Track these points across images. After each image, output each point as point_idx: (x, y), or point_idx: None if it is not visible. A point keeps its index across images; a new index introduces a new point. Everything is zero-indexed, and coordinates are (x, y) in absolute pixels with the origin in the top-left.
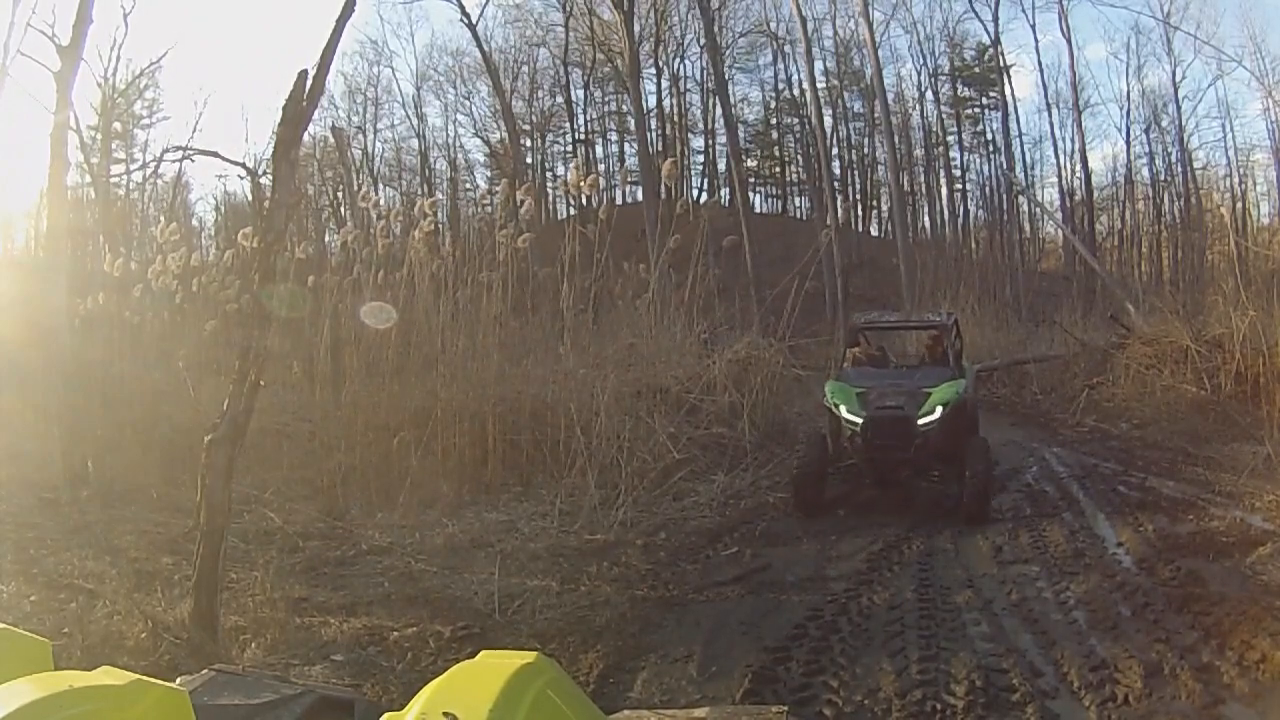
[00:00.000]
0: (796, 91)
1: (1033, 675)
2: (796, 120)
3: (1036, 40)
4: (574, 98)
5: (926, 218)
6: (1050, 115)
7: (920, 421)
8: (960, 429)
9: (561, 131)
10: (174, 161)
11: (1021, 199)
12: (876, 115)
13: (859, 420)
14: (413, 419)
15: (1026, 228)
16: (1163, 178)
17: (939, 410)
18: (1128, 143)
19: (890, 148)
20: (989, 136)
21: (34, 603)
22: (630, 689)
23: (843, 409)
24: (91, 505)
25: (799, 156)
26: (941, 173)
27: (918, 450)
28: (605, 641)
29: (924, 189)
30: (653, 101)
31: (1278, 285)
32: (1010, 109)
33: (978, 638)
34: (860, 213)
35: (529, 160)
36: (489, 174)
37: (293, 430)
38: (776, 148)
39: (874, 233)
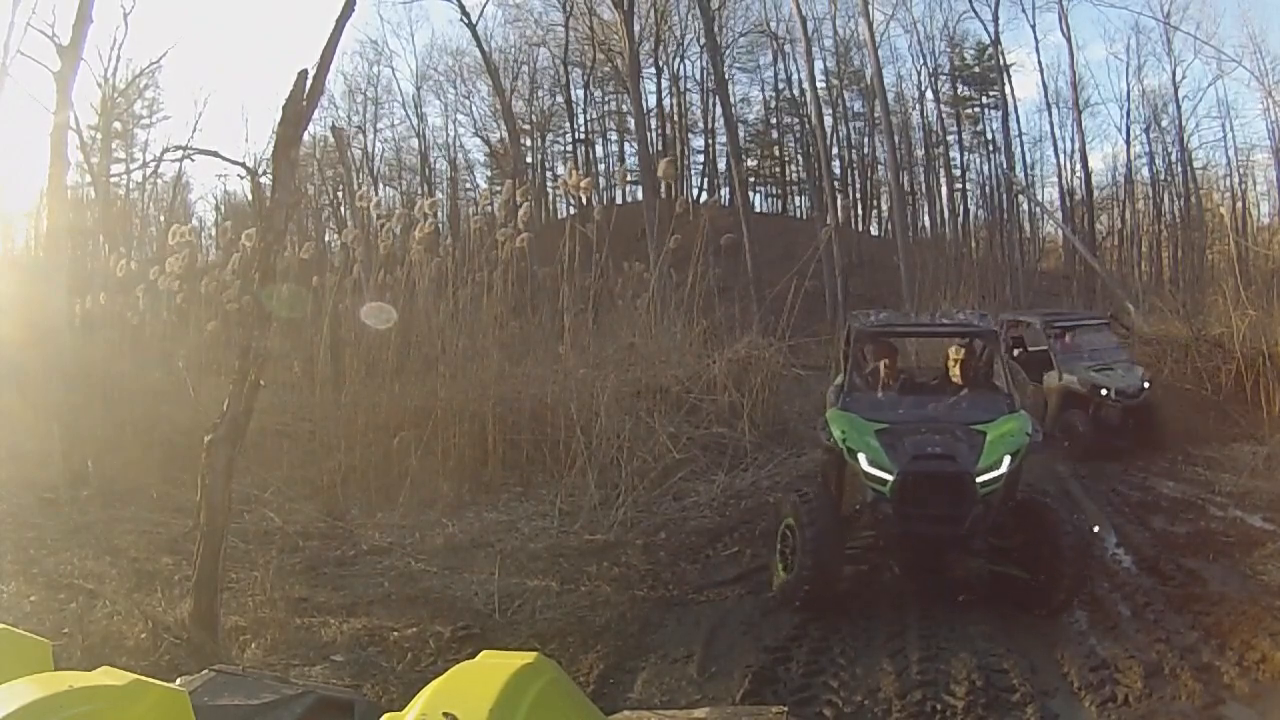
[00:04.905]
0: (796, 91)
1: (1033, 675)
2: (796, 120)
3: (1037, 40)
4: (574, 98)
5: (926, 217)
6: (1050, 115)
7: (981, 479)
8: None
9: (561, 131)
10: (174, 161)
11: (1021, 198)
12: (876, 115)
13: (889, 477)
14: (413, 419)
15: (1026, 227)
16: (1163, 177)
17: (1006, 462)
18: (1128, 143)
19: (890, 147)
20: (989, 136)
21: (34, 603)
22: (630, 689)
23: (862, 458)
24: (91, 505)
25: (799, 156)
26: (941, 172)
27: (974, 523)
28: (605, 641)
29: (924, 189)
30: (653, 101)
31: (1278, 285)
32: (1010, 109)
33: (978, 637)
34: (860, 212)
35: (529, 160)
36: (489, 174)
37: (293, 430)
38: (776, 147)
39: (874, 232)
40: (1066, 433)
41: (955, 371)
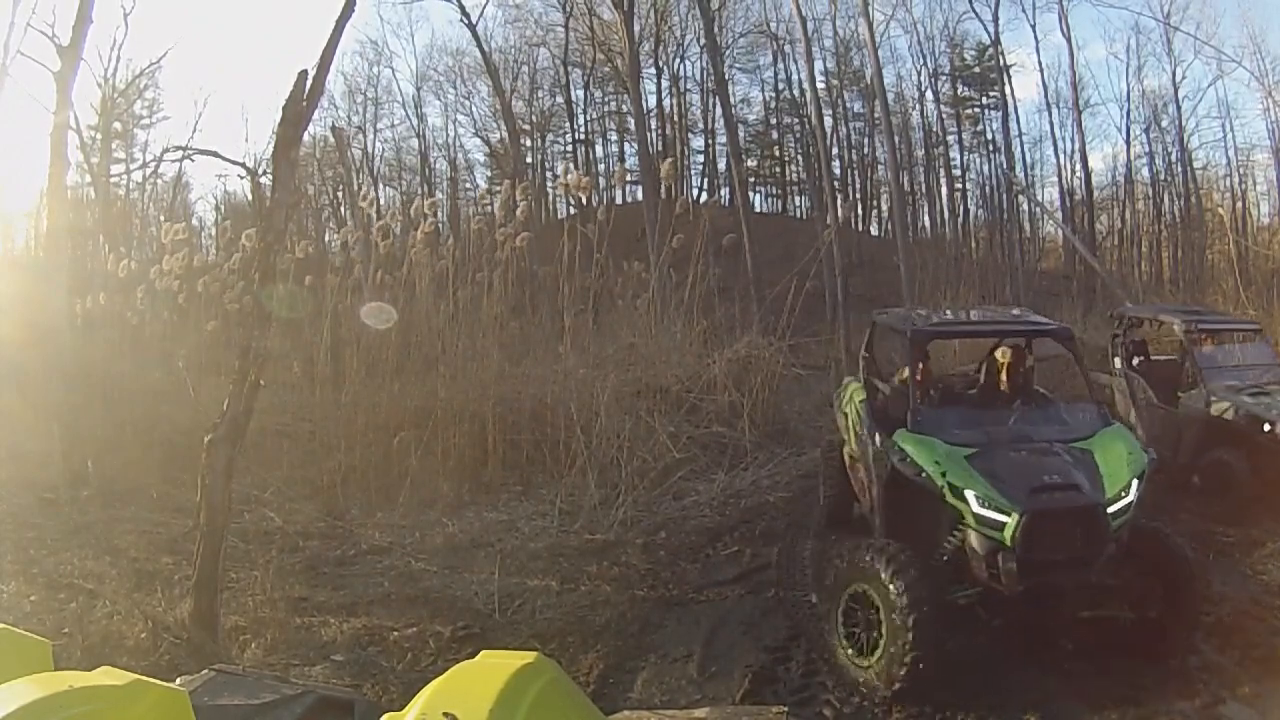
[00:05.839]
0: (796, 92)
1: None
2: (796, 120)
3: (1037, 40)
4: (574, 98)
5: (926, 217)
6: (1050, 115)
7: (1111, 510)
8: None
9: (561, 131)
10: (174, 161)
11: (1021, 198)
12: (876, 115)
13: (1009, 519)
14: (413, 419)
15: (1026, 227)
16: (1163, 177)
17: (1134, 487)
18: (1128, 143)
19: (890, 148)
20: (989, 136)
21: (34, 603)
22: (630, 689)
23: (970, 497)
24: (91, 505)
25: (799, 156)
26: (941, 172)
27: (1104, 566)
28: (605, 641)
29: (924, 189)
30: (653, 101)
31: (1278, 285)
32: (1010, 109)
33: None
34: (860, 213)
35: (529, 160)
36: (489, 174)
37: (293, 430)
38: (776, 147)
39: (874, 232)
40: (1212, 478)
41: (1003, 377)
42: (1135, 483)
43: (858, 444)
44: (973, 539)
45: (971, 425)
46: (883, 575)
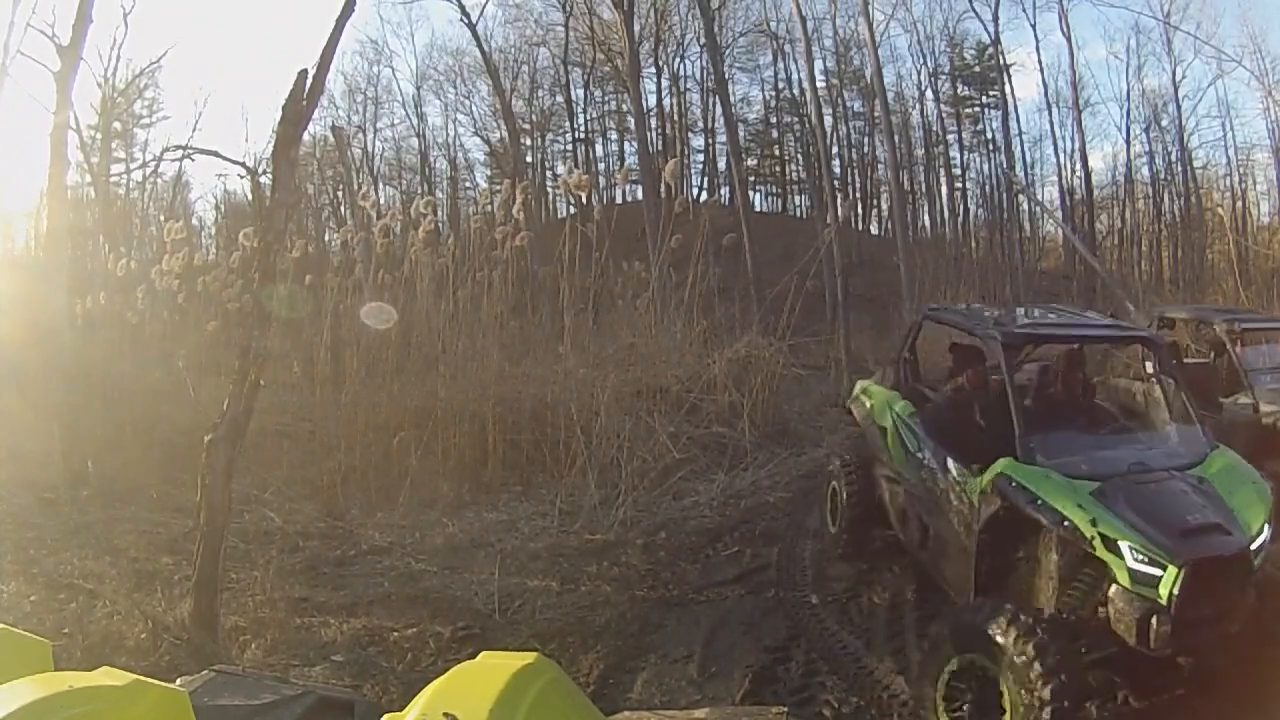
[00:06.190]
0: (796, 91)
1: None
2: (796, 120)
3: (1037, 40)
4: (574, 97)
5: (926, 217)
6: (1050, 114)
7: (1251, 547)
8: None
9: (561, 131)
10: (174, 161)
11: (1021, 198)
12: (876, 115)
13: (1168, 573)
14: (413, 419)
15: (1026, 227)
16: (1163, 177)
17: (1268, 527)
18: (1128, 142)
19: (890, 147)
20: (989, 136)
21: (34, 603)
22: (630, 689)
23: (1126, 551)
24: (91, 505)
25: (799, 156)
26: (941, 172)
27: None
28: (605, 641)
29: (924, 188)
30: (653, 101)
31: (1278, 285)
32: (1010, 108)
33: None
34: (860, 212)
35: (529, 160)
36: (489, 174)
37: (293, 430)
38: (776, 147)
39: (874, 232)
40: None
41: (1060, 387)
42: (1268, 526)
43: (908, 467)
44: (1118, 595)
45: (1078, 451)
46: (1005, 642)
